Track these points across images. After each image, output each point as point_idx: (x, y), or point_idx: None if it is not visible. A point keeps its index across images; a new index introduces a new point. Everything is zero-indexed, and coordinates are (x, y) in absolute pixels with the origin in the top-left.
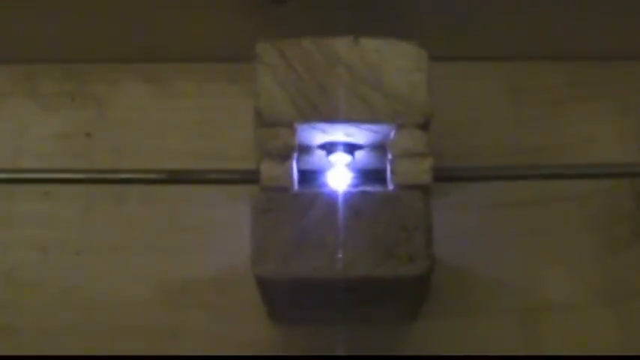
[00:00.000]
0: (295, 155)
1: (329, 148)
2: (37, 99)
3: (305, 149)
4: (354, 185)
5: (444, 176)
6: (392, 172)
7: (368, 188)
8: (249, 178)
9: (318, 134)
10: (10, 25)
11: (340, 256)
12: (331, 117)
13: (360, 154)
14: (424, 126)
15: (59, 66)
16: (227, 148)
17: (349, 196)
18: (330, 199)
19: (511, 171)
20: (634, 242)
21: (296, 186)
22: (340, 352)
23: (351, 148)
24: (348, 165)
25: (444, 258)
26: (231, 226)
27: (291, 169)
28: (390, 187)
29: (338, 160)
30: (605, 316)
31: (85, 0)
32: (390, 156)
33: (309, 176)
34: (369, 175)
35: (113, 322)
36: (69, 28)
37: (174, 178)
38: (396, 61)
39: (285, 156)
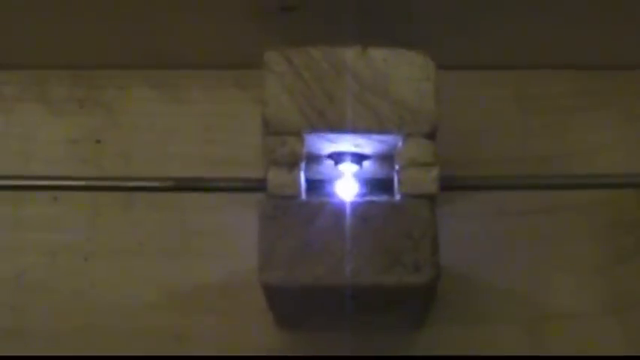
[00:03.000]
0: (303, 163)
1: (337, 157)
2: (46, 104)
3: (314, 159)
4: (362, 194)
5: (451, 185)
6: (399, 181)
7: (375, 197)
8: (257, 186)
9: (327, 144)
10: (20, 30)
11: (347, 264)
12: (338, 125)
13: (368, 164)
14: (431, 135)
15: (69, 72)
16: (236, 154)
17: (356, 205)
18: (337, 207)
19: (517, 180)
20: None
21: (304, 194)
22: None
23: (359, 158)
24: (356, 174)
25: (450, 266)
26: (238, 232)
27: (299, 177)
28: (397, 196)
29: (346, 169)
30: (610, 325)
31: (95, 6)
32: (397, 165)
33: (318, 185)
34: (377, 185)
35: (120, 326)
36: (79, 34)
37: (181, 186)
38: (404, 70)
39: (292, 164)
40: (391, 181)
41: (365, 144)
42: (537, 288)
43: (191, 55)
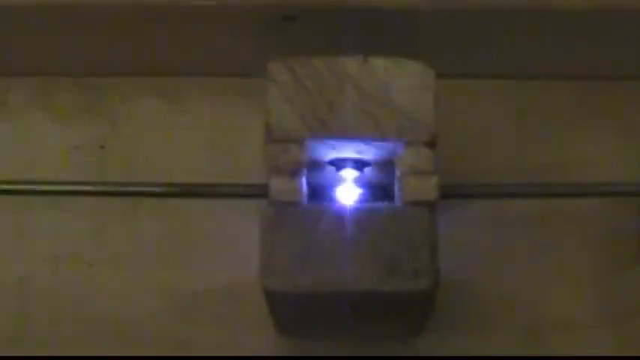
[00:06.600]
0: (305, 170)
1: (338, 164)
2: (51, 112)
3: (315, 165)
4: (363, 201)
5: (450, 193)
6: (399, 188)
7: (375, 204)
8: (259, 192)
9: (328, 150)
10: (26, 39)
11: (347, 270)
12: (340, 133)
13: (369, 171)
14: (431, 143)
15: (74, 80)
16: (238, 163)
17: (357, 212)
18: (338, 214)
19: (516, 189)
20: (636, 261)
21: (305, 200)
22: None
23: (360, 165)
24: (357, 181)
25: (449, 274)
26: (240, 239)
27: (301, 183)
28: (397, 203)
29: (347, 175)
30: (606, 335)
31: (100, 15)
32: (397, 173)
33: (319, 191)
34: (377, 192)
35: (123, 333)
36: (84, 43)
37: (186, 191)
38: (404, 79)
39: (294, 171)
40: (392, 187)
41: (366, 150)
42: (534, 297)
43: (195, 64)
